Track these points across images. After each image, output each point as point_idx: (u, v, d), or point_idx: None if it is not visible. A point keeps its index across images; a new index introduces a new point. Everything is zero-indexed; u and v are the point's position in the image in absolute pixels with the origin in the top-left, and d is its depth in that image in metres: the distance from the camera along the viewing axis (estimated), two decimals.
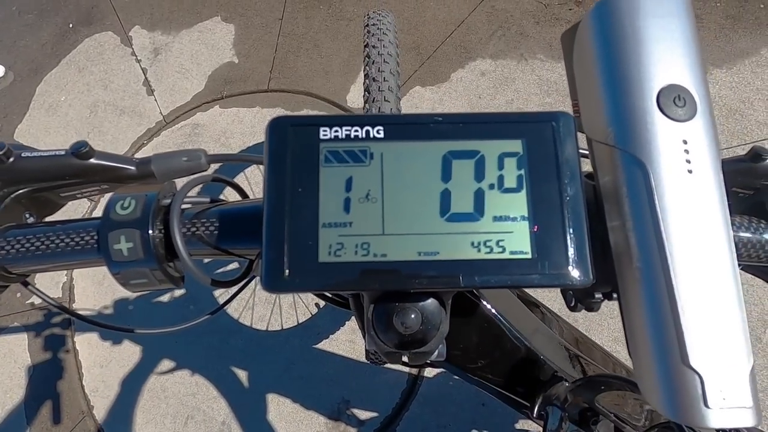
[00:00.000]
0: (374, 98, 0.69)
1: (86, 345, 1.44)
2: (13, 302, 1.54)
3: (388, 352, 0.26)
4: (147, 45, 1.77)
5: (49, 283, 1.53)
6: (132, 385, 1.36)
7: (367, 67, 0.73)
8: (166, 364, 1.37)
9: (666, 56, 0.19)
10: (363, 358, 1.28)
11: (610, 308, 1.19)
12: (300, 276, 0.18)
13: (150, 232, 0.22)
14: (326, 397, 1.26)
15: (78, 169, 0.25)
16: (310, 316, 1.33)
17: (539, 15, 1.47)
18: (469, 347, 0.35)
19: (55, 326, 1.50)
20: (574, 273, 0.18)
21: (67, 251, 0.24)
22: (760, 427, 0.37)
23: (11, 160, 0.25)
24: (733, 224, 0.25)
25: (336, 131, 0.19)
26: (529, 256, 0.18)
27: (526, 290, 0.44)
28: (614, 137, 0.19)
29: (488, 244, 0.18)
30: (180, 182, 0.25)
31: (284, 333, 1.33)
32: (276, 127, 0.19)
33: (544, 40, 1.43)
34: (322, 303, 1.35)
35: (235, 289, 0.34)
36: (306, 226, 0.18)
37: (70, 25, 1.89)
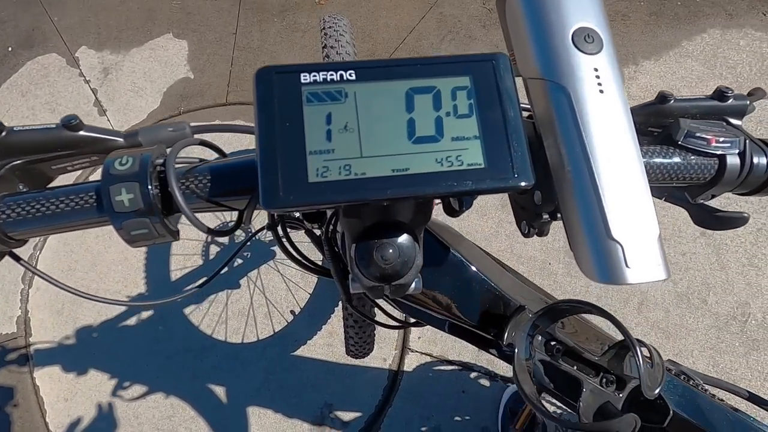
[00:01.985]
0: None
1: (47, 379, 1.36)
2: None
3: (371, 287, 0.29)
4: (96, 65, 1.73)
5: (2, 318, 1.44)
6: (101, 417, 1.30)
7: None
8: (137, 389, 1.32)
9: (577, 4, 0.24)
10: (342, 360, 1.29)
11: (572, 287, 1.27)
12: (293, 194, 0.20)
13: (148, 185, 0.24)
14: (308, 404, 1.25)
15: (69, 140, 0.27)
16: (286, 324, 1.33)
17: (485, 19, 1.57)
18: (443, 293, 0.38)
19: (11, 363, 1.41)
20: (519, 177, 0.22)
21: (67, 212, 0.25)
22: (682, 377, 0.43)
23: (4, 133, 0.26)
24: (648, 152, 0.30)
25: (314, 76, 0.22)
26: (483, 165, 0.22)
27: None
28: (541, 71, 0.24)
29: (449, 159, 0.22)
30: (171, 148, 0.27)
31: (260, 344, 1.32)
32: (262, 75, 0.22)
33: (491, 41, 1.53)
34: (297, 309, 1.35)
35: (230, 257, 0.36)
36: (295, 154, 0.21)
37: (9, 49, 1.82)
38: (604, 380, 0.39)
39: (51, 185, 0.27)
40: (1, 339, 1.44)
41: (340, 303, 1.32)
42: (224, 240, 1.41)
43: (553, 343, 0.38)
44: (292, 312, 1.36)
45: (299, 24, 1.68)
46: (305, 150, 0.21)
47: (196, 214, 0.26)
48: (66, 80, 1.73)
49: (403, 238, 0.27)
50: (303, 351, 1.32)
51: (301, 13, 1.69)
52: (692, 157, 0.30)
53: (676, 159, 0.30)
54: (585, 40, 0.24)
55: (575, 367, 0.39)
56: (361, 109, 0.22)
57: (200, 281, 0.36)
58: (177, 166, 0.26)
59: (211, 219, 1.29)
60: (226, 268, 0.37)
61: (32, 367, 1.39)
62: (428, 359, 1.28)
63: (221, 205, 0.27)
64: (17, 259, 0.28)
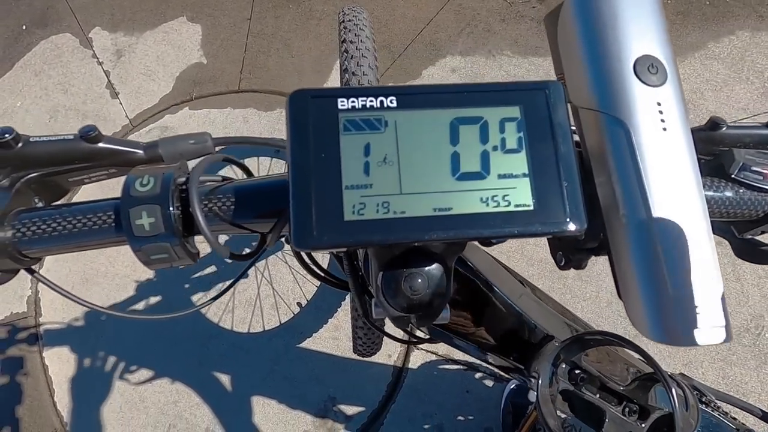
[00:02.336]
0: None
1: (56, 360, 1.38)
2: None
3: (396, 317, 0.27)
4: (109, 47, 1.72)
5: (12, 296, 1.46)
6: (108, 398, 1.31)
7: (345, 62, 0.74)
8: (144, 373, 1.33)
9: (640, 30, 0.22)
10: (347, 355, 1.29)
11: (582, 291, 1.25)
12: (327, 233, 0.19)
13: (170, 208, 0.23)
14: (312, 396, 1.26)
15: (87, 152, 0.26)
16: (292, 315, 1.33)
17: (504, 13, 1.53)
18: (466, 315, 0.37)
19: (22, 342, 1.43)
20: (571, 220, 0.21)
21: (85, 231, 0.24)
22: (695, 393, 0.41)
23: (20, 145, 0.25)
24: None
25: (353, 102, 0.20)
26: (531, 207, 0.20)
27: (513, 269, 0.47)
28: (598, 102, 0.22)
29: (495, 198, 0.20)
30: (190, 164, 0.26)
31: (266, 334, 1.32)
32: (296, 99, 0.21)
33: (510, 36, 1.49)
34: (304, 302, 1.35)
35: (237, 277, 0.35)
36: (330, 189, 0.20)
37: (24, 27, 1.81)
38: (627, 409, 0.38)
39: (68, 201, 0.26)
40: (12, 318, 1.45)
41: (347, 297, 1.32)
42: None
43: (577, 371, 0.37)
44: (298, 304, 1.36)
45: (315, 11, 1.64)
46: (341, 184, 0.20)
47: (220, 235, 0.25)
48: (79, 61, 1.71)
49: (434, 268, 0.26)
50: (308, 343, 1.32)
51: (317, 0, 1.65)
52: (745, 192, 0.28)
53: (728, 193, 0.28)
54: (648, 70, 0.22)
55: (598, 396, 0.38)
56: (402, 140, 0.20)
57: (213, 294, 0.34)
58: (199, 186, 0.25)
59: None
60: (242, 278, 0.36)
61: (42, 346, 1.41)
62: (433, 357, 1.28)
63: (244, 228, 0.25)
64: (32, 272, 0.27)
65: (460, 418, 1.26)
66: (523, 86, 0.22)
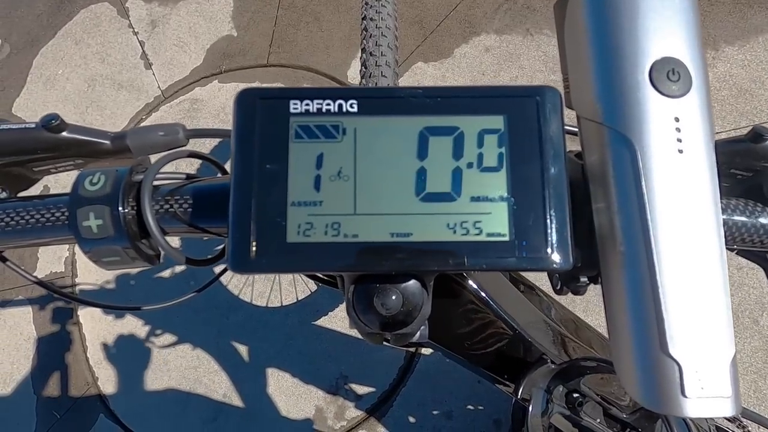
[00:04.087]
0: (371, 73, 0.67)
1: (90, 318, 1.46)
2: (17, 276, 1.55)
3: (369, 333, 0.25)
4: (144, 17, 1.73)
5: (51, 257, 1.54)
6: (135, 358, 1.39)
7: (364, 41, 0.71)
8: (168, 338, 1.39)
9: (661, 27, 0.18)
10: (361, 336, 1.30)
11: None
12: (267, 257, 0.17)
13: (120, 209, 0.22)
14: (325, 372, 1.28)
15: (50, 143, 0.25)
16: (310, 293, 1.34)
17: None
18: (456, 328, 0.34)
19: (60, 299, 1.52)
20: (554, 256, 0.17)
21: (38, 227, 0.23)
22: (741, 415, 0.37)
23: None
24: (728, 208, 0.24)
25: (307, 105, 0.18)
26: (507, 238, 0.17)
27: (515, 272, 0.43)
28: (602, 113, 0.18)
29: (465, 225, 0.17)
30: (156, 158, 0.24)
31: (283, 309, 1.34)
32: (244, 99, 0.18)
33: (551, 14, 1.38)
34: None
35: (220, 268, 0.34)
36: (274, 205, 0.17)
37: None
38: None
39: (27, 193, 0.25)
40: (51, 276, 1.55)
41: None
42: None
43: (575, 395, 0.34)
44: (315, 283, 1.37)
45: None
46: (287, 200, 0.17)
47: (182, 237, 0.23)
48: (116, 31, 1.74)
49: (410, 284, 0.23)
50: (324, 321, 1.34)
51: None
52: None
53: (764, 220, 0.24)
54: (668, 77, 0.17)
55: (598, 420, 0.35)
56: (361, 151, 0.18)
57: (198, 288, 0.33)
58: (161, 183, 0.23)
59: None
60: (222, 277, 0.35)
61: (76, 305, 1.50)
62: None
63: (207, 231, 0.24)
64: (3, 260, 0.27)
65: (469, 407, 1.25)
66: (509, 92, 0.18)
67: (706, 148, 0.18)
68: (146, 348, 1.39)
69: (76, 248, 1.56)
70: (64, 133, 0.25)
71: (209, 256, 0.25)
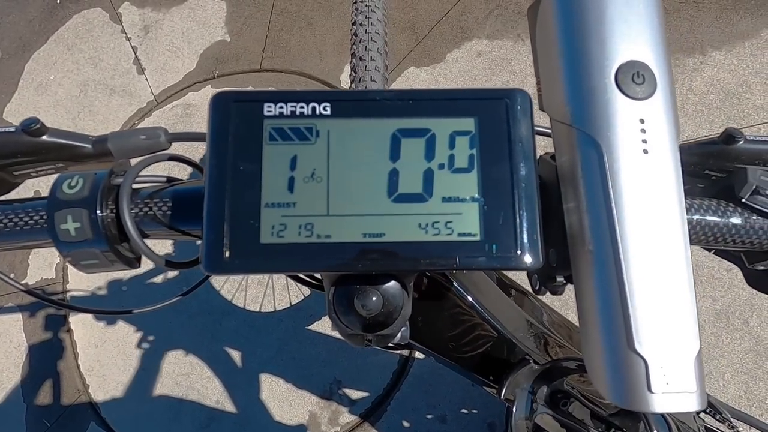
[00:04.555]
0: (360, 78, 0.68)
1: (81, 325, 1.45)
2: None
3: (350, 335, 0.25)
4: (137, 22, 1.73)
5: (42, 263, 1.53)
6: (126, 365, 1.37)
7: (353, 46, 0.71)
8: (160, 344, 1.38)
9: (627, 31, 0.18)
10: None
11: None
12: (240, 258, 0.17)
13: (99, 212, 0.22)
14: (318, 377, 1.27)
15: (30, 146, 0.25)
16: (303, 297, 1.34)
17: None
18: (440, 329, 0.35)
19: (50, 307, 1.51)
20: (524, 256, 0.18)
21: (16, 231, 0.23)
22: (708, 411, 0.38)
23: None
24: (701, 208, 0.25)
25: (281, 107, 0.18)
26: (478, 238, 0.18)
27: (505, 273, 0.44)
28: (571, 115, 0.19)
29: (436, 225, 0.18)
30: (137, 162, 0.24)
31: (277, 314, 1.34)
32: (219, 102, 0.19)
33: None
34: None
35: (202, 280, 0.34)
36: (248, 206, 0.17)
37: (58, 1, 1.85)
38: None
39: (10, 196, 0.25)
40: (42, 283, 1.53)
41: None
42: None
43: (559, 395, 0.34)
44: (296, 284, 1.36)
45: None
46: (260, 201, 0.17)
47: (163, 239, 0.23)
48: (109, 36, 1.74)
49: (390, 285, 0.23)
50: (317, 326, 1.33)
51: None
52: (757, 220, 0.24)
53: (736, 220, 0.24)
54: (633, 79, 0.18)
55: (583, 420, 0.35)
56: (334, 153, 0.18)
57: (183, 291, 0.33)
58: (141, 186, 0.24)
59: None
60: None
61: (68, 312, 1.48)
62: None
63: (188, 234, 0.24)
64: None
65: (463, 410, 1.25)
66: (480, 94, 0.19)
67: (671, 149, 0.18)
68: (138, 355, 1.38)
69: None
70: (45, 137, 0.25)
71: (188, 259, 0.25)
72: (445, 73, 1.42)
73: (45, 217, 0.23)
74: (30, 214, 0.23)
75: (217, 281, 1.38)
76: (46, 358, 1.44)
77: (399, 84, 1.42)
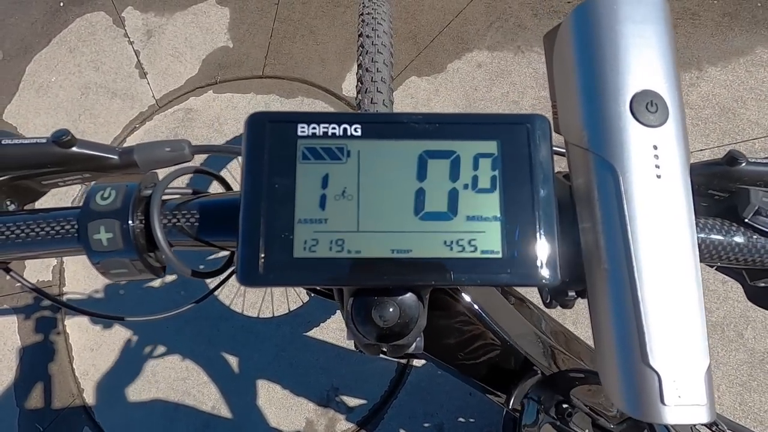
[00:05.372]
0: (367, 89, 0.69)
1: (77, 328, 1.44)
2: (3, 284, 1.53)
3: (366, 344, 0.26)
4: (140, 26, 1.74)
5: (40, 266, 1.52)
6: (122, 369, 1.37)
7: (360, 57, 0.73)
8: (157, 348, 1.38)
9: (641, 62, 0.20)
10: (352, 347, 1.30)
11: None
12: (275, 271, 0.18)
13: (130, 222, 0.22)
14: (316, 384, 1.27)
15: (59, 157, 0.25)
16: (302, 304, 1.34)
17: (537, 7, 1.46)
18: (449, 339, 0.35)
19: (46, 309, 1.49)
20: (543, 273, 0.19)
21: (47, 240, 0.24)
22: (716, 422, 0.39)
23: None
24: (705, 227, 0.26)
25: (314, 128, 0.19)
26: (500, 255, 0.19)
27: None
28: (588, 140, 0.20)
29: (460, 243, 0.19)
30: (163, 173, 0.25)
31: (275, 320, 1.34)
32: (255, 122, 0.20)
33: (541, 32, 1.42)
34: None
35: (219, 279, 0.35)
36: (282, 222, 0.18)
37: (61, 4, 1.85)
38: None
39: (36, 206, 0.26)
40: (38, 285, 1.52)
41: None
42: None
43: (564, 405, 0.35)
44: (308, 293, 1.37)
45: None
46: (294, 217, 0.18)
47: (188, 250, 0.24)
48: (111, 40, 1.75)
49: (406, 297, 0.24)
50: (315, 333, 1.33)
51: None
52: (759, 239, 0.25)
53: (738, 239, 0.25)
54: (647, 108, 0.19)
55: (586, 431, 0.36)
56: (364, 172, 0.19)
57: (197, 299, 0.34)
58: (168, 197, 0.24)
59: None
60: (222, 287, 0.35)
61: (64, 314, 1.47)
62: None
63: (212, 245, 0.24)
64: (7, 271, 0.27)
65: (461, 419, 1.25)
66: (502, 119, 0.20)
67: (682, 173, 0.19)
68: (134, 359, 1.37)
69: (65, 257, 1.54)
70: (74, 148, 0.25)
71: (213, 269, 0.25)
72: (446, 83, 1.44)
73: (76, 226, 0.24)
74: (61, 224, 0.24)
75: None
76: (41, 361, 1.43)
77: (400, 93, 1.43)
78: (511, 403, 0.34)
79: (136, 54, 1.70)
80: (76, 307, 0.32)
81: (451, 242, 0.19)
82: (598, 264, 0.19)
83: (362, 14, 0.77)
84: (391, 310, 0.24)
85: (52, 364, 1.42)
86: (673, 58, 0.20)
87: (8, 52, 1.82)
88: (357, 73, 0.73)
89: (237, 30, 1.66)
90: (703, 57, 1.33)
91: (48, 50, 1.78)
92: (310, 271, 0.18)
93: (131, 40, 1.72)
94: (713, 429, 0.52)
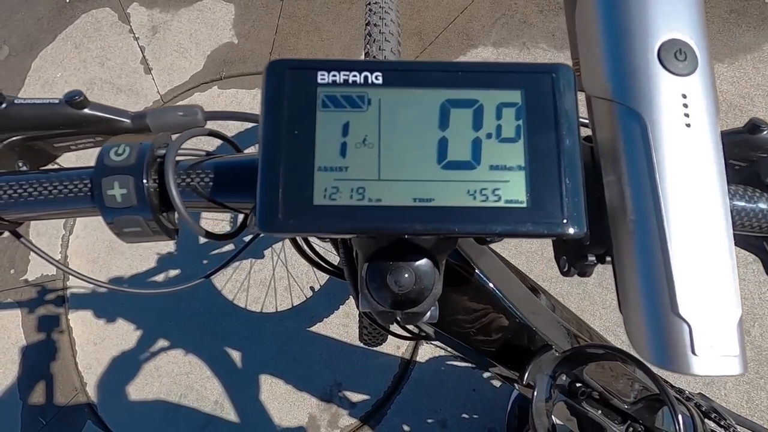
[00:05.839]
0: None
1: (80, 322, 1.44)
2: (7, 278, 1.53)
3: (381, 312, 0.26)
4: (145, 22, 1.75)
5: (43, 260, 1.52)
6: (125, 363, 1.36)
7: (367, 46, 0.73)
8: (160, 343, 1.37)
9: (668, 9, 0.19)
10: (356, 342, 1.29)
11: (602, 298, 1.20)
12: (294, 217, 0.18)
13: (144, 180, 0.22)
14: (319, 379, 1.26)
15: (72, 118, 0.25)
16: (305, 299, 1.34)
17: (543, 3, 1.46)
18: (462, 316, 0.35)
19: (49, 303, 1.49)
20: (568, 223, 0.18)
21: (60, 198, 0.24)
22: (713, 416, 0.38)
23: (4, 105, 0.24)
24: (729, 193, 0.25)
25: (334, 75, 0.19)
26: (525, 205, 0.18)
27: (517, 268, 0.44)
28: (613, 91, 0.19)
29: (484, 192, 0.18)
30: (176, 137, 0.25)
31: (278, 315, 1.33)
32: (274, 69, 0.19)
33: (547, 29, 1.42)
34: (317, 286, 1.35)
35: (230, 258, 0.35)
36: (301, 169, 0.18)
37: (67, 0, 1.86)
38: (631, 429, 0.35)
39: (50, 166, 0.26)
40: (42, 279, 1.52)
41: None
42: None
43: (578, 384, 0.35)
44: (311, 288, 1.36)
45: None
46: (314, 165, 0.18)
47: (200, 212, 0.23)
48: (117, 35, 1.75)
49: (422, 263, 0.24)
50: (318, 328, 1.33)
51: None
52: None
53: (762, 205, 0.25)
54: (675, 56, 0.19)
55: (600, 412, 0.35)
56: (385, 120, 0.18)
57: (208, 272, 0.34)
58: (181, 158, 0.24)
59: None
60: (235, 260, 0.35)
61: (67, 309, 1.47)
62: (442, 353, 1.26)
63: (225, 207, 0.24)
64: (18, 236, 0.27)
65: (464, 415, 1.24)
66: (526, 68, 0.19)
67: (711, 123, 0.19)
68: (137, 353, 1.37)
69: (68, 251, 1.54)
70: (86, 110, 0.25)
71: (229, 231, 0.25)
72: None
73: (90, 185, 0.24)
74: (74, 182, 0.24)
75: (219, 281, 1.38)
76: (44, 355, 1.43)
77: None
78: (525, 380, 0.34)
79: (141, 50, 1.70)
80: (89, 278, 0.32)
81: (475, 191, 0.18)
82: (623, 216, 0.19)
83: (369, 3, 0.77)
84: (406, 275, 0.23)
85: (56, 359, 1.42)
86: (701, 9, 0.20)
87: (14, 48, 1.82)
88: None
89: (242, 26, 1.66)
90: (711, 54, 1.33)
91: (54, 46, 1.78)
92: (330, 219, 0.18)
93: (136, 36, 1.73)
94: (721, 423, 0.51)
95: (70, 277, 1.50)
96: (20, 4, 1.91)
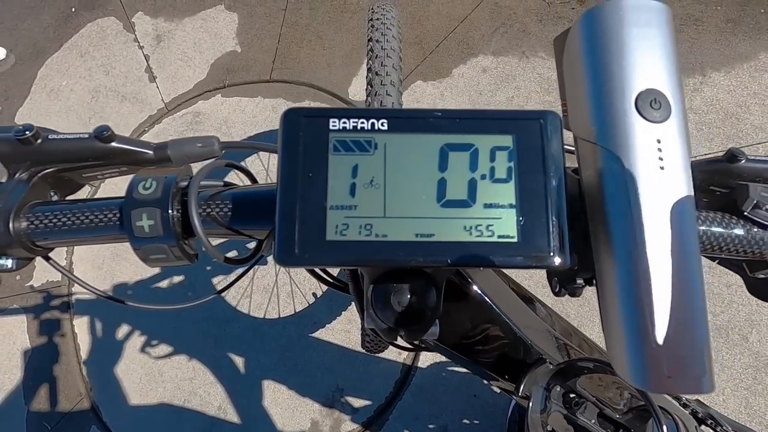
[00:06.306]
0: (376, 92, 0.71)
1: (85, 328, 1.45)
2: (13, 284, 1.55)
3: (384, 329, 0.28)
4: (150, 31, 1.77)
5: (48, 266, 1.54)
6: (129, 369, 1.38)
7: (370, 61, 0.75)
8: (164, 348, 1.39)
9: (645, 63, 0.21)
10: (358, 348, 1.31)
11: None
12: (309, 252, 0.20)
13: (169, 211, 0.24)
14: (321, 385, 1.28)
15: (100, 151, 0.27)
16: (307, 305, 1.35)
17: (542, 13, 1.49)
18: (461, 329, 0.37)
19: (54, 309, 1.51)
20: (555, 256, 0.20)
21: (92, 227, 0.26)
22: (709, 422, 0.40)
23: (39, 141, 0.26)
24: (707, 220, 0.27)
25: (344, 123, 0.21)
26: (515, 239, 0.20)
27: (516, 281, 0.46)
28: (596, 135, 0.21)
29: (479, 228, 0.20)
30: (195, 167, 0.27)
31: (281, 321, 1.35)
32: (289, 117, 0.21)
33: (546, 38, 1.45)
34: (319, 293, 1.37)
35: (242, 270, 0.36)
36: (315, 208, 0.20)
37: (73, 9, 1.89)
38: None
39: (79, 196, 0.28)
40: (48, 285, 1.54)
41: None
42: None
43: (572, 395, 0.36)
44: (314, 294, 1.38)
45: (349, 4, 1.64)
46: (326, 204, 0.20)
47: (216, 239, 0.26)
48: (122, 44, 1.78)
49: (424, 285, 0.26)
50: (321, 334, 1.34)
51: None
52: (758, 231, 0.27)
53: (738, 231, 0.27)
54: (651, 105, 0.21)
55: (593, 422, 0.37)
56: (390, 163, 0.21)
57: (219, 290, 0.36)
58: (201, 190, 0.26)
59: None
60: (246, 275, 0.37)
61: (72, 314, 1.49)
62: (443, 359, 1.28)
63: (241, 234, 0.26)
64: (47, 259, 0.29)
65: (465, 421, 1.25)
66: (518, 115, 0.22)
67: (684, 166, 0.21)
68: (141, 359, 1.38)
69: (73, 257, 1.56)
70: (114, 143, 0.27)
71: (244, 256, 0.27)
72: (451, 87, 1.46)
73: (119, 215, 0.26)
74: (104, 212, 0.26)
75: (222, 287, 1.40)
76: (49, 360, 1.44)
77: (406, 97, 1.45)
78: (520, 391, 0.35)
79: (146, 58, 1.73)
80: (109, 295, 0.34)
81: (471, 227, 0.20)
82: (606, 250, 0.21)
83: (371, 20, 0.79)
84: (409, 296, 0.25)
85: (60, 364, 1.43)
86: (675, 59, 0.22)
87: (21, 57, 1.85)
88: (367, 77, 0.75)
89: (245, 35, 1.68)
90: (707, 62, 1.35)
91: (59, 54, 1.81)
92: (341, 253, 0.20)
93: (141, 44, 1.75)
94: (717, 430, 0.53)
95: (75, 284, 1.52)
96: (26, 13, 1.94)
